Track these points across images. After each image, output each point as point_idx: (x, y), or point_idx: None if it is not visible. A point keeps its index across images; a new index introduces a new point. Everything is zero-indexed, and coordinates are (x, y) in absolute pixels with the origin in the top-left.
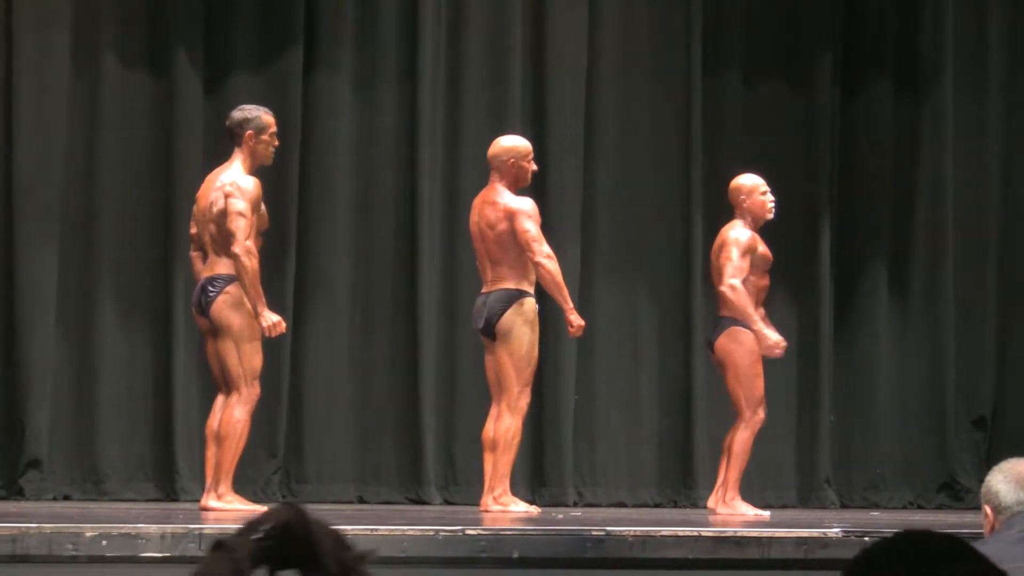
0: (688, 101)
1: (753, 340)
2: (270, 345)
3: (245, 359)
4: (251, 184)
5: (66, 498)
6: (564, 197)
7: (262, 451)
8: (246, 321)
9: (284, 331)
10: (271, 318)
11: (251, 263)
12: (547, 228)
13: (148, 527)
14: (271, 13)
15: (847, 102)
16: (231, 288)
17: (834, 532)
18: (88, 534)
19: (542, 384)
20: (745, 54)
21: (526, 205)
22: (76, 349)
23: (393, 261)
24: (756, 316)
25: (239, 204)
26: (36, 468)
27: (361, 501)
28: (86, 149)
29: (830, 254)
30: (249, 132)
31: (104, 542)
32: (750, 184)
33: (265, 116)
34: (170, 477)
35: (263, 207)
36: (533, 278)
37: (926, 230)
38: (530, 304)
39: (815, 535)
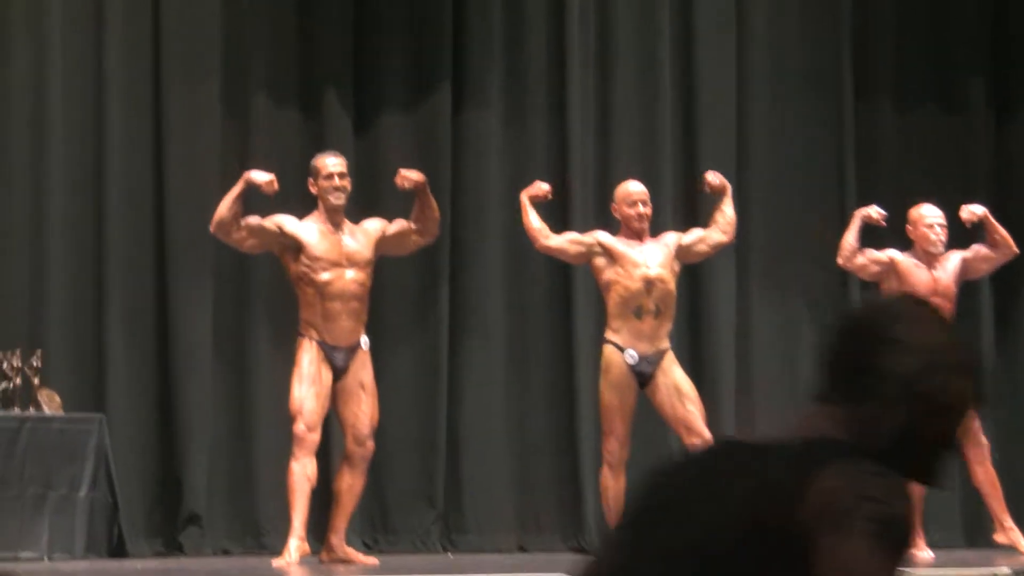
0: (840, 128)
1: None
2: (425, 392)
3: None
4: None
5: (225, 553)
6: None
7: (420, 501)
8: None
9: None
10: None
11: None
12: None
13: None
14: (420, 52)
15: (1001, 125)
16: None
17: (1005, 572)
18: None
19: None
20: (896, 79)
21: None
22: (233, 401)
23: (548, 302)
24: None
25: None
26: (195, 523)
27: (522, 550)
28: None
29: (989, 281)
30: (310, 180)
31: None
32: (916, 215)
33: (319, 160)
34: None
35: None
36: (618, 325)
37: None
38: (604, 351)
39: None
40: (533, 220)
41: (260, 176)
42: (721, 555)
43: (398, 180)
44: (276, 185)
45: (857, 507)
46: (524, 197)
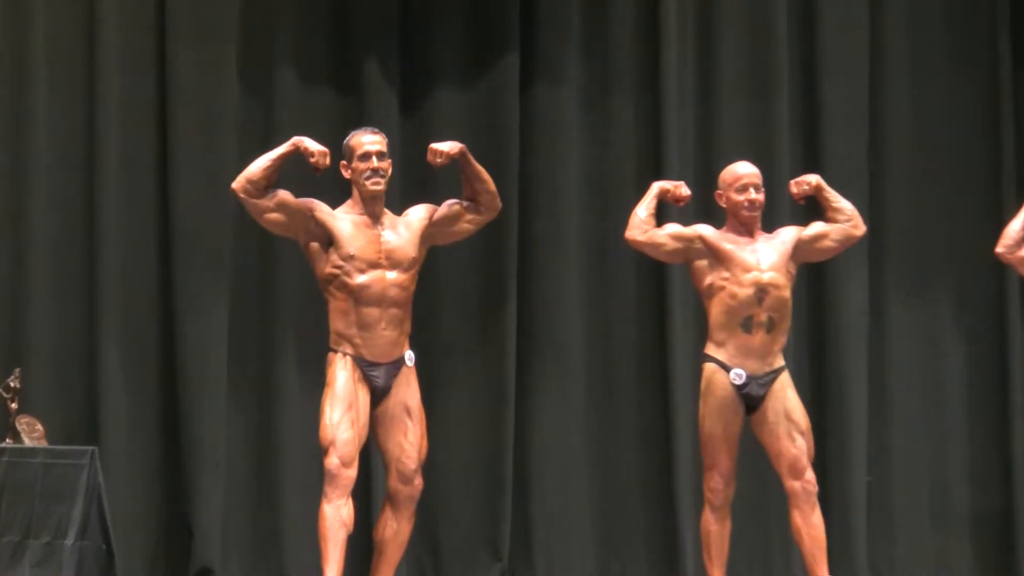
0: (995, 103)
1: None
2: (488, 420)
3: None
4: None
5: None
6: None
7: (482, 550)
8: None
9: None
10: None
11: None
12: None
13: None
14: (480, 16)
15: None
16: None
17: None
18: None
19: (826, 460)
20: None
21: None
22: (253, 431)
23: (636, 311)
24: None
25: None
26: None
27: None
28: None
29: None
30: (342, 163)
31: None
32: None
33: (353, 139)
34: None
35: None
36: (721, 338)
37: None
38: (705, 370)
39: None
40: (643, 210)
41: (314, 145)
42: None
43: (429, 157)
44: (328, 161)
45: None
46: (657, 185)
